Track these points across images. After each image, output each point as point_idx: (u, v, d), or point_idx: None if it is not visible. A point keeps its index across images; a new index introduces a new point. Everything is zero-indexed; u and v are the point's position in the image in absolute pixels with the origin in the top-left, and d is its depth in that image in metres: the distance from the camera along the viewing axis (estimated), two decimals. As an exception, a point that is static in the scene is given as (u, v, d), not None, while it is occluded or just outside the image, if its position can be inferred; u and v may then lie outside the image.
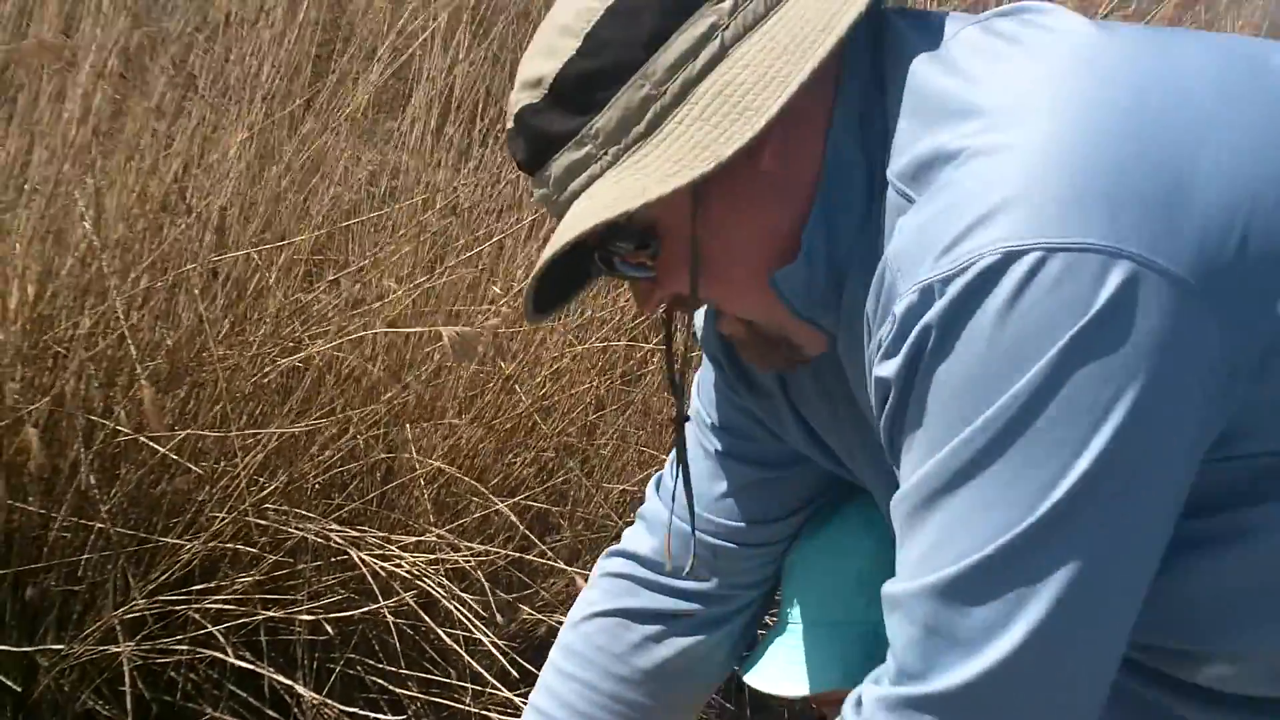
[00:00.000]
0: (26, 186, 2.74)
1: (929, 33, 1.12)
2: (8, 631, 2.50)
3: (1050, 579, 0.98)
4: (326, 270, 3.04)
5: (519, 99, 1.15)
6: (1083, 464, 0.96)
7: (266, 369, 2.77)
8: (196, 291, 2.70)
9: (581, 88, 1.12)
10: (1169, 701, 1.15)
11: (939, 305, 0.97)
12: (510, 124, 1.17)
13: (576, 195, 1.13)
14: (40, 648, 2.49)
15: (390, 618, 2.59)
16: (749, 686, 1.46)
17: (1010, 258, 0.95)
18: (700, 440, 1.43)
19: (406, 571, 2.59)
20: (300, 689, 2.57)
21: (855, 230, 1.11)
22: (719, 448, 1.42)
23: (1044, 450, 0.96)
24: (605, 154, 1.12)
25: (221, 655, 2.51)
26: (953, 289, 0.97)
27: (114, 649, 2.47)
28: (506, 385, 2.99)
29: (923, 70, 1.09)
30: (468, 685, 2.66)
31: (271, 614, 2.60)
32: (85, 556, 2.55)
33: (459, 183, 3.22)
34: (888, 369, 1.02)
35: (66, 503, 2.51)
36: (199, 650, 2.55)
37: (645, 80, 1.10)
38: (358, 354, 2.89)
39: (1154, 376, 0.95)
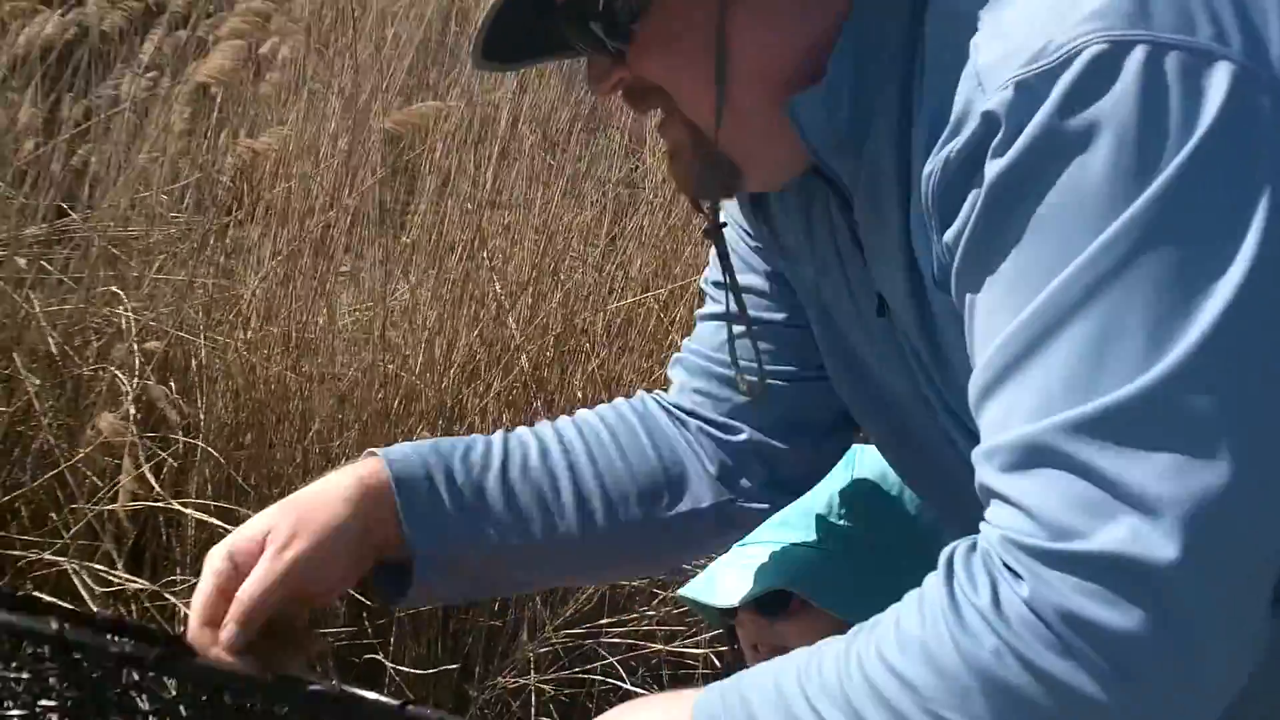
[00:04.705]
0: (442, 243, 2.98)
1: None
2: (441, 663, 2.74)
3: (1237, 402, 0.80)
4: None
5: None
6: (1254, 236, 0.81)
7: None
8: (588, 345, 2.86)
9: None
10: None
11: (1054, 97, 0.83)
12: None
13: None
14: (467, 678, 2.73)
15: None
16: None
17: (1121, 47, 0.82)
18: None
19: (799, 606, 2.66)
20: (702, 718, 2.69)
21: (888, 63, 0.96)
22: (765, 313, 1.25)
23: (1203, 233, 0.82)
24: None
25: (627, 686, 2.68)
26: (1064, 79, 0.83)
27: (527, 680, 2.68)
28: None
29: None
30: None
31: (670, 647, 2.74)
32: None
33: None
34: (995, 167, 0.85)
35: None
36: (607, 680, 2.72)
37: None
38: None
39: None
